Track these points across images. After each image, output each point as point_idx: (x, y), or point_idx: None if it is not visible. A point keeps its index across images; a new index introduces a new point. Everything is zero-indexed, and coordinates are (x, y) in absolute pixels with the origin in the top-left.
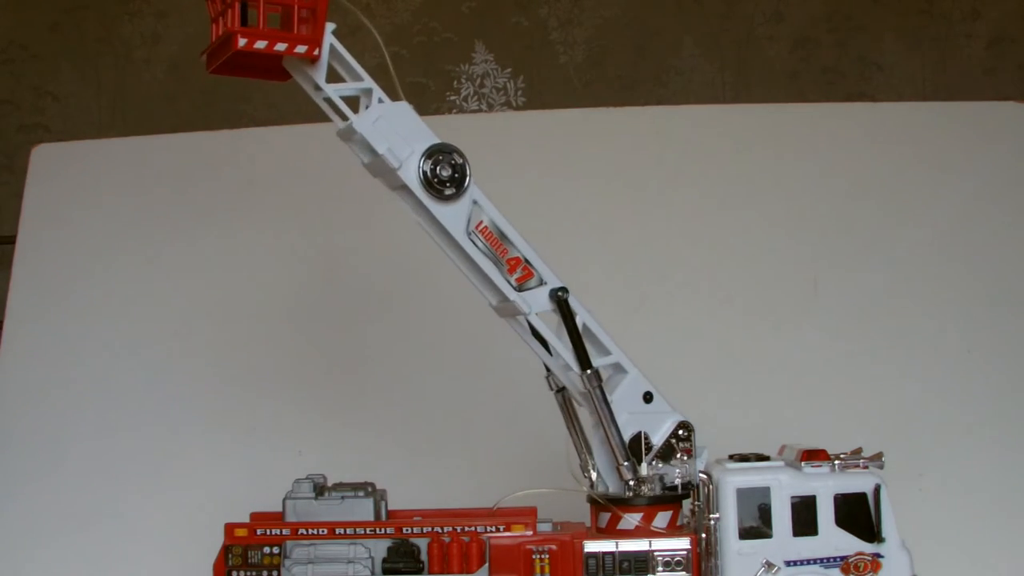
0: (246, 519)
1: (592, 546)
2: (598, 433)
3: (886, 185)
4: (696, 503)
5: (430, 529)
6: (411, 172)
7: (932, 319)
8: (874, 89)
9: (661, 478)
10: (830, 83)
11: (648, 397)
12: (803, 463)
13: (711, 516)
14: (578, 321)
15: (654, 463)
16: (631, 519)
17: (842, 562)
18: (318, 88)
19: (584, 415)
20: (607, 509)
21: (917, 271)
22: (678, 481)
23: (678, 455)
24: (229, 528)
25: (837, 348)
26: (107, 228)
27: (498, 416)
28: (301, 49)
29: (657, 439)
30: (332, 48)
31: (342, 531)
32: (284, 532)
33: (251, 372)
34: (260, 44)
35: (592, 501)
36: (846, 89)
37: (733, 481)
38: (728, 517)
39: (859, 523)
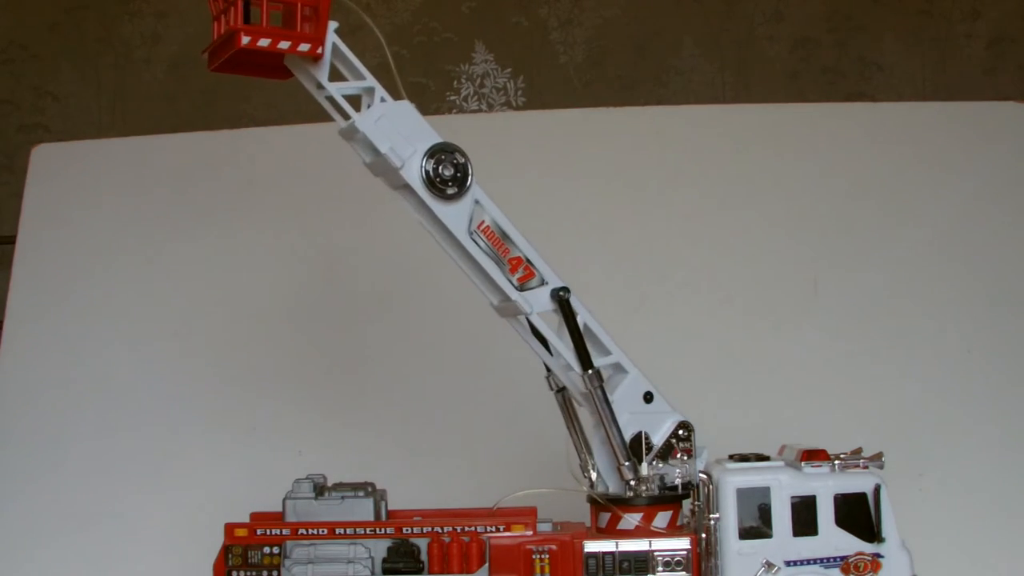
0: (246, 519)
1: (592, 546)
2: (598, 433)
3: (886, 185)
4: (696, 503)
5: (430, 529)
6: (413, 171)
7: (932, 319)
8: (874, 89)
9: (662, 478)
10: (830, 83)
11: (648, 397)
12: (803, 463)
13: (711, 516)
14: (579, 321)
15: (654, 463)
16: (631, 519)
17: (842, 562)
18: (320, 87)
19: (584, 415)
20: (607, 509)
21: (917, 271)
22: (678, 481)
23: (678, 455)
24: (229, 528)
25: (837, 348)
26: (107, 228)
27: (498, 416)
28: (304, 47)
29: (657, 439)
30: (334, 47)
31: (342, 531)
32: (284, 532)
33: (251, 372)
34: (263, 42)
35: (592, 501)
36: (846, 89)
37: (733, 481)
38: (728, 517)
39: (859, 523)
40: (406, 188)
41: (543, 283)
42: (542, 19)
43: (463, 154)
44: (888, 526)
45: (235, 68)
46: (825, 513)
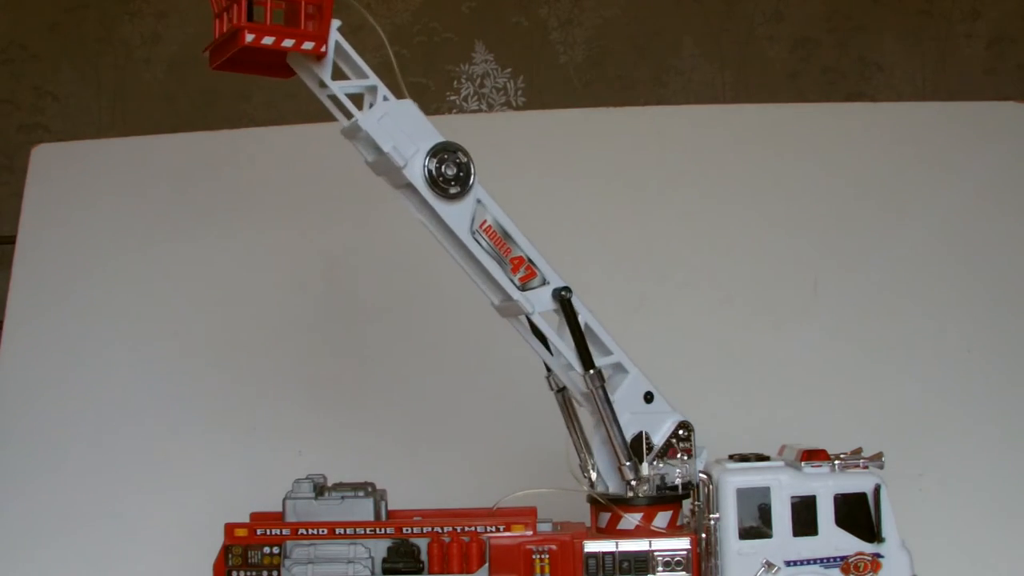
0: (246, 519)
1: (592, 546)
2: (599, 433)
3: (886, 185)
4: (696, 503)
5: (430, 529)
6: (416, 170)
7: (932, 319)
8: (874, 89)
9: (662, 478)
10: (830, 83)
11: (649, 397)
12: (803, 463)
13: (711, 516)
14: (580, 321)
15: (655, 463)
16: (631, 519)
17: (842, 562)
18: (322, 85)
19: (584, 415)
20: (607, 509)
21: (917, 271)
22: (678, 481)
23: (678, 455)
24: (229, 528)
25: (837, 348)
26: (107, 228)
27: (498, 416)
28: (308, 46)
29: (658, 439)
30: (337, 45)
31: (342, 531)
32: (284, 532)
33: (251, 372)
34: (267, 40)
35: (592, 501)
36: (846, 89)
37: (733, 481)
38: (728, 517)
39: (859, 523)
40: (408, 187)
41: (545, 283)
42: (542, 19)
43: (465, 153)
44: (888, 526)
45: (237, 66)
46: (825, 513)
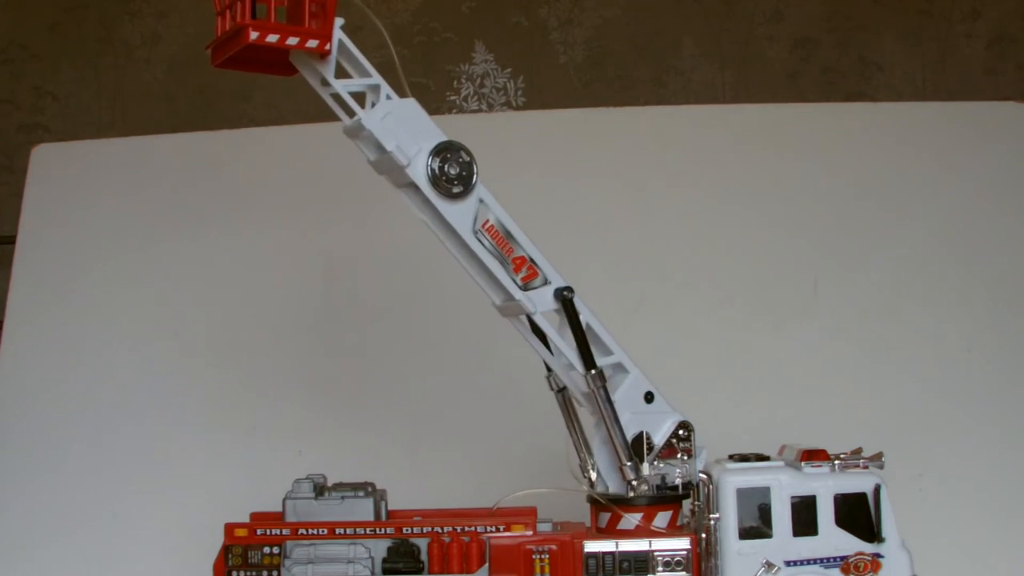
0: (246, 519)
1: (592, 546)
2: (599, 433)
3: (886, 185)
4: (696, 503)
5: (430, 529)
6: (419, 170)
7: (932, 319)
8: (874, 89)
9: (663, 478)
10: (830, 83)
11: (649, 397)
12: (803, 463)
13: (711, 516)
14: (581, 320)
15: (656, 463)
16: (631, 519)
17: (842, 562)
18: (325, 83)
19: (584, 415)
20: (607, 509)
21: (917, 271)
22: (678, 481)
23: (678, 455)
24: (229, 528)
25: (837, 348)
26: (107, 228)
27: (498, 416)
28: (312, 44)
29: (658, 439)
30: (340, 43)
31: (342, 531)
32: (284, 532)
33: (251, 372)
34: (272, 38)
35: (592, 501)
36: (846, 89)
37: (733, 481)
38: (728, 517)
39: (859, 523)
40: (410, 186)
41: (546, 282)
42: (542, 19)
43: (468, 152)
44: (888, 526)
45: (239, 64)
46: (825, 513)
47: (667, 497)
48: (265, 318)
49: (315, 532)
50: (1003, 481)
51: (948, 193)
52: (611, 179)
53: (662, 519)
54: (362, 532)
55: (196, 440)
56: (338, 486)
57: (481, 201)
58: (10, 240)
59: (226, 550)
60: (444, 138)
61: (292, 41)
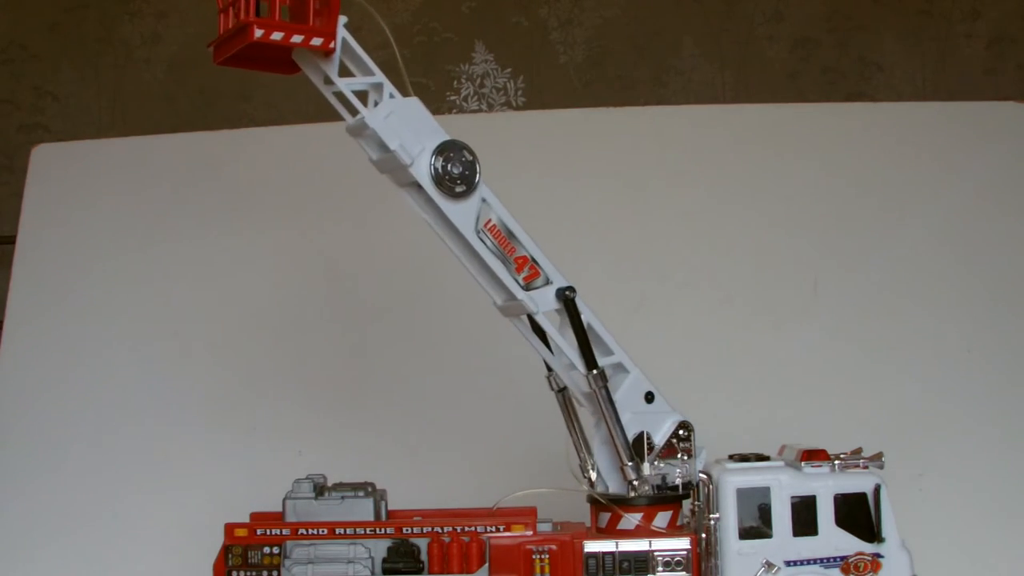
0: (246, 519)
1: (592, 546)
2: (599, 433)
3: (886, 185)
4: (696, 503)
5: (430, 529)
6: (422, 169)
7: (932, 319)
8: (874, 89)
9: (664, 478)
10: (830, 83)
11: (649, 397)
12: (803, 463)
13: (711, 516)
14: (583, 320)
15: (656, 463)
16: (631, 519)
17: (842, 562)
18: (328, 82)
19: (584, 415)
20: (607, 509)
21: (917, 271)
22: (678, 481)
23: (678, 455)
24: (229, 528)
25: (837, 348)
26: (107, 228)
27: (498, 416)
28: (317, 42)
29: (658, 439)
30: (344, 42)
31: (342, 531)
32: (284, 532)
33: (251, 372)
34: (276, 36)
35: (592, 501)
36: (846, 89)
37: (733, 481)
38: (728, 517)
39: (859, 523)
40: (413, 186)
41: (548, 282)
42: (542, 19)
43: (471, 152)
44: (888, 526)
45: (241, 62)
46: (825, 513)
47: (667, 497)
48: (265, 318)
49: (315, 532)
50: (1003, 481)
51: (948, 193)
52: (611, 179)
53: (662, 519)
54: (362, 532)
55: (196, 440)
56: (338, 486)
57: (483, 200)
58: (10, 240)
59: (226, 550)
60: (446, 137)
61: (296, 39)
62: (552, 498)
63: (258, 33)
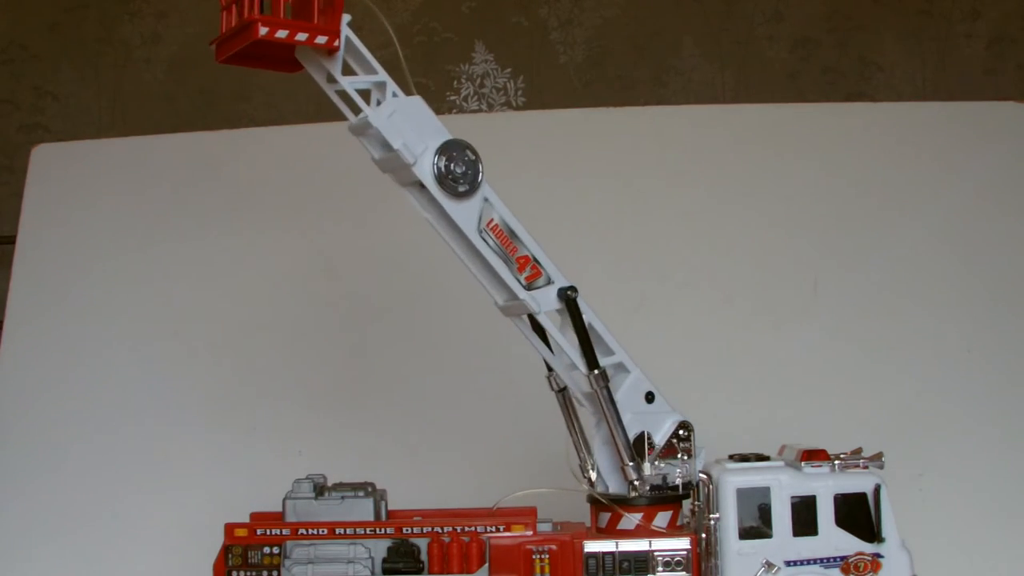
0: (246, 519)
1: (592, 546)
2: (600, 433)
3: (886, 185)
4: (696, 503)
5: (430, 529)
6: (425, 168)
7: (932, 319)
8: (874, 89)
9: (664, 478)
10: (830, 83)
11: (650, 397)
12: (803, 463)
13: (711, 516)
14: (584, 320)
15: (656, 463)
16: (631, 519)
17: (842, 562)
18: (331, 80)
19: (585, 415)
20: (607, 509)
21: (917, 271)
22: (678, 481)
23: (678, 455)
24: (229, 528)
25: (837, 348)
26: (107, 228)
27: (498, 416)
28: (321, 40)
29: (658, 439)
30: (347, 40)
31: (342, 531)
32: (284, 532)
33: (251, 372)
34: (281, 33)
35: (592, 501)
36: (846, 89)
37: (733, 481)
38: (728, 517)
39: (859, 523)
40: (415, 185)
41: (550, 282)
42: (542, 19)
43: (473, 151)
44: (888, 526)
45: (244, 60)
46: (825, 513)
47: (667, 497)
48: (265, 318)
49: (315, 532)
50: (1003, 481)
51: (948, 193)
52: (611, 179)
53: (662, 519)
54: (362, 532)
55: (196, 440)
56: (338, 486)
57: (486, 200)
58: (10, 240)
59: (226, 550)
60: (449, 136)
61: (301, 37)
62: (552, 498)
63: (263, 31)
